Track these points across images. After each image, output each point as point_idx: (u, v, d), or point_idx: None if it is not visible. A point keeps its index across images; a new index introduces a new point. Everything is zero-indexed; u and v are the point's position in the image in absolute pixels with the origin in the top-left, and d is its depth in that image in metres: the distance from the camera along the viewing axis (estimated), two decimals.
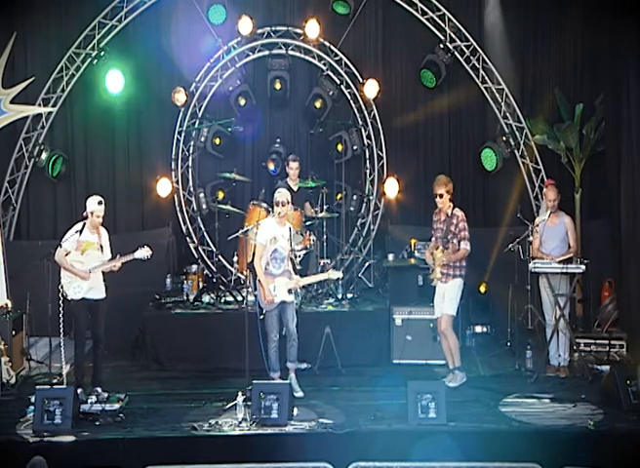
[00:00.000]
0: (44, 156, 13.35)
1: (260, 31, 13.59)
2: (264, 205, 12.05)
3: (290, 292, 10.00)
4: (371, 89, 13.35)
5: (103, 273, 9.95)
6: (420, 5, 13.48)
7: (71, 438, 8.59)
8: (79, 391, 9.55)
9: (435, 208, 10.46)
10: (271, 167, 13.42)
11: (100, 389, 9.77)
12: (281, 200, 10.00)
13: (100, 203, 9.82)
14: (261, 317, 9.99)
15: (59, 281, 9.76)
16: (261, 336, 9.89)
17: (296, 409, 9.21)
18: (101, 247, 9.90)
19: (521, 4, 13.37)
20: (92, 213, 9.79)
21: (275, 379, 9.94)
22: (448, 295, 10.23)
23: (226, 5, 13.25)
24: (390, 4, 13.55)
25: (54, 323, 9.72)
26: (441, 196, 10.26)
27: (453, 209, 10.29)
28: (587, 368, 10.57)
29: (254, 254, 10.08)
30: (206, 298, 12.12)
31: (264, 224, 10.17)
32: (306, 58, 13.74)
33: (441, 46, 13.47)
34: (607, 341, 11.36)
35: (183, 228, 13.73)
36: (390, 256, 12.74)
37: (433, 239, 10.53)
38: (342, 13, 13.46)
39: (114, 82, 12.99)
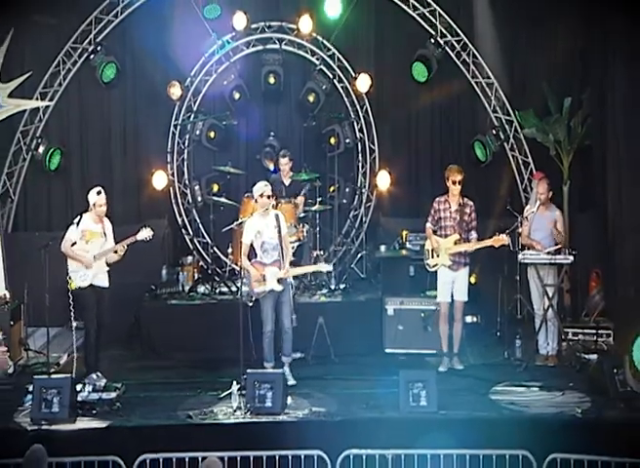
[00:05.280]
0: (41, 149, 13.42)
1: (254, 26, 13.68)
2: None
3: (279, 281, 10.00)
4: (363, 83, 13.48)
5: (109, 265, 10.09)
6: (411, 1, 13.58)
7: (69, 426, 8.65)
8: (95, 376, 9.81)
9: (431, 196, 10.48)
10: (271, 167, 13.42)
11: (99, 374, 9.92)
12: (267, 193, 10.09)
13: (98, 193, 9.98)
14: (251, 304, 10.09)
15: (66, 272, 9.88)
16: (252, 325, 9.88)
17: (289, 398, 9.28)
18: (105, 234, 10.06)
19: None
20: (94, 204, 9.96)
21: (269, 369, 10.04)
22: (461, 283, 10.39)
23: (221, 3, 13.36)
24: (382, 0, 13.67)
25: (51, 313, 9.85)
26: (460, 182, 10.35)
27: (464, 198, 10.42)
28: (575, 356, 10.70)
29: None
30: (201, 289, 12.25)
31: (247, 224, 10.23)
32: (300, 52, 13.86)
33: (432, 41, 13.57)
34: (594, 331, 11.41)
35: (179, 220, 13.86)
36: (382, 248, 12.87)
37: (429, 225, 10.56)
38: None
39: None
